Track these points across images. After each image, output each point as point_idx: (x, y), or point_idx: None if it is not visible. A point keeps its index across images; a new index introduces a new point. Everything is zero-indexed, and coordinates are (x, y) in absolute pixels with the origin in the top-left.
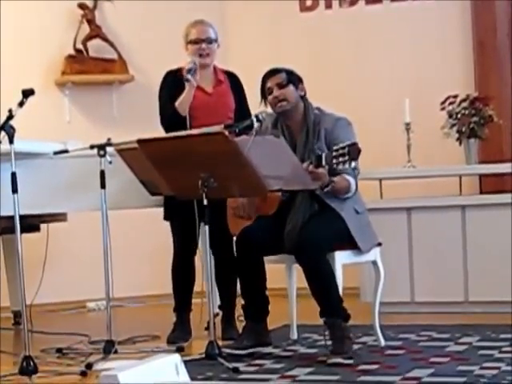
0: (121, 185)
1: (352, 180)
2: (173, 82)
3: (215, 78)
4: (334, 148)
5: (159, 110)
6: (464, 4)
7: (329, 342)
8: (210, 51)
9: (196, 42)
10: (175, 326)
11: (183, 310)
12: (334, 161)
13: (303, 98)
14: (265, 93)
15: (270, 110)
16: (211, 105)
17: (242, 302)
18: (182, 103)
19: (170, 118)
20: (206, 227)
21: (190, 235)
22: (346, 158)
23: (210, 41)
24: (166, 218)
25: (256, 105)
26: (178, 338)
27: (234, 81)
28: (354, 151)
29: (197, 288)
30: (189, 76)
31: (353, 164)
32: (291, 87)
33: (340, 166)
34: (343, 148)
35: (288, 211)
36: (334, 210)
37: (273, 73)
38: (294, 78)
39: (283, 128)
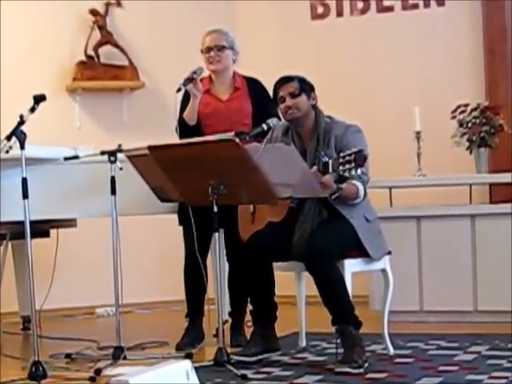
0: (131, 191)
1: (360, 185)
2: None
3: (232, 85)
4: (341, 155)
5: None
6: (474, 12)
7: (340, 350)
8: (220, 58)
9: (206, 50)
10: (186, 331)
11: (195, 315)
12: (341, 167)
13: (314, 106)
14: (277, 100)
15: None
16: (224, 112)
17: (251, 307)
18: (188, 113)
19: (180, 128)
20: (216, 234)
21: (202, 240)
22: (352, 164)
23: (219, 48)
24: (181, 222)
25: None
26: (187, 344)
27: (253, 86)
28: (359, 158)
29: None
30: (184, 87)
31: (359, 171)
32: (303, 96)
33: (346, 173)
34: (349, 155)
35: (297, 218)
36: (343, 217)
37: (285, 81)
38: (306, 87)
39: (293, 136)
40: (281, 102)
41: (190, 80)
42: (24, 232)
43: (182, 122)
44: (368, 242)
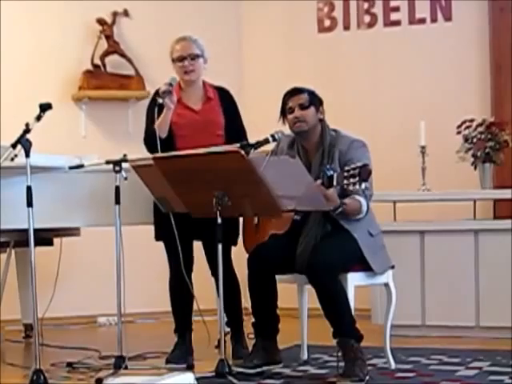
0: (135, 200)
1: (363, 201)
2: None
3: (204, 95)
4: (346, 169)
5: (144, 130)
6: (482, 27)
7: (342, 364)
8: (194, 67)
9: (179, 59)
10: (175, 346)
11: (184, 331)
12: (345, 181)
13: (321, 120)
14: (285, 111)
15: (287, 129)
16: (198, 123)
17: (253, 319)
18: (161, 125)
19: (151, 139)
20: (219, 245)
21: (185, 253)
22: (357, 178)
23: (193, 57)
24: (157, 238)
25: (272, 122)
26: (177, 358)
27: (224, 96)
28: (364, 172)
29: (207, 306)
30: (162, 100)
31: (363, 185)
32: (312, 109)
33: (351, 187)
34: (354, 169)
35: (301, 231)
36: (347, 231)
37: (295, 93)
38: (315, 100)
39: (299, 149)
40: (289, 112)
41: (167, 93)
42: (27, 240)
43: (153, 134)
44: (371, 257)
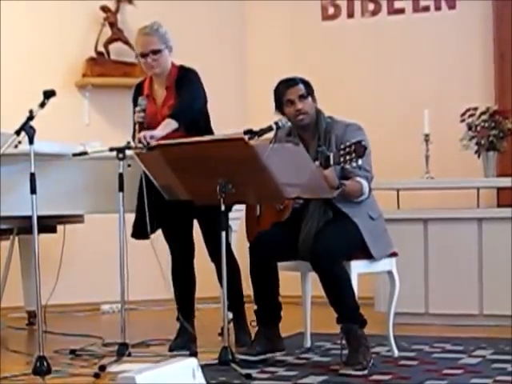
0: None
1: (364, 182)
2: (137, 98)
3: (166, 82)
4: (341, 147)
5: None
6: (485, 15)
7: (345, 351)
8: (158, 61)
9: (142, 55)
10: (178, 333)
11: (186, 317)
12: (341, 159)
13: (316, 108)
14: (281, 102)
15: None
16: (156, 115)
17: (255, 307)
18: None
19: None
20: (223, 233)
21: (185, 240)
22: (353, 155)
23: (154, 52)
24: (137, 236)
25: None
26: (180, 345)
27: (180, 77)
28: (359, 148)
29: (211, 293)
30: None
31: (359, 162)
32: (310, 99)
33: (347, 165)
34: (349, 146)
35: (301, 218)
36: (348, 217)
37: (291, 84)
38: (310, 89)
39: (295, 137)
40: (289, 104)
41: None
42: (31, 227)
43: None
44: (371, 241)
